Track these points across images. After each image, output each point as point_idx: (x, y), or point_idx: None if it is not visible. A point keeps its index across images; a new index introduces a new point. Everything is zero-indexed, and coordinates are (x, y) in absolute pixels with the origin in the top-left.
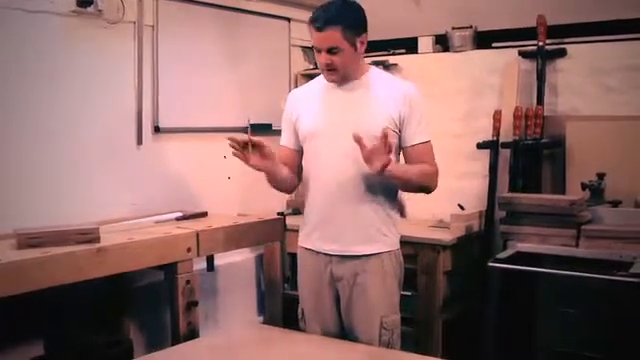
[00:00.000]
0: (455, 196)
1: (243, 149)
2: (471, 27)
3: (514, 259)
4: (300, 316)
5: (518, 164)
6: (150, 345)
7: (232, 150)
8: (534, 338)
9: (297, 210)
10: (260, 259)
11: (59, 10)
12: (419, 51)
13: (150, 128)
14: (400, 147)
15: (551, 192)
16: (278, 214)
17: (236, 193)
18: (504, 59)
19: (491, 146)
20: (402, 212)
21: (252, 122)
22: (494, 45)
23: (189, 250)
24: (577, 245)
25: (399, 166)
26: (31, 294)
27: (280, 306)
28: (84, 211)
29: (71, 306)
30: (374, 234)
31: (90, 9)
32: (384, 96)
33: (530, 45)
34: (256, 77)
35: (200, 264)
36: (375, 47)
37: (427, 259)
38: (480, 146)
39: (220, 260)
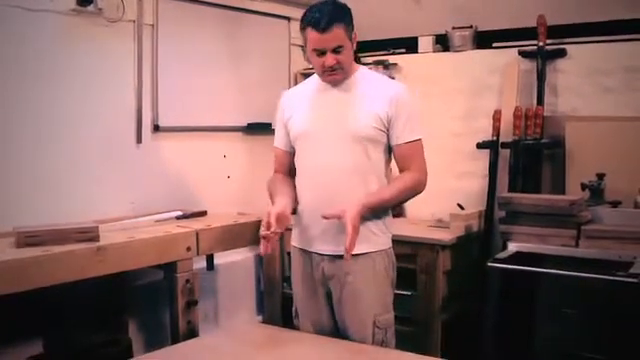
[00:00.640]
0: (455, 196)
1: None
2: (471, 27)
3: (513, 259)
4: (294, 314)
5: (518, 164)
6: (150, 344)
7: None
8: (533, 338)
9: (296, 210)
10: (259, 258)
11: (59, 9)
12: (419, 51)
13: (150, 127)
14: (389, 146)
15: (551, 192)
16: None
17: (236, 192)
18: (504, 59)
19: (491, 146)
20: (395, 212)
21: (251, 121)
22: (494, 45)
23: (189, 249)
24: (577, 245)
25: (373, 198)
26: (30, 293)
27: (279, 305)
28: (84, 210)
29: (70, 305)
30: (364, 233)
31: (90, 8)
32: (371, 95)
33: (530, 45)
34: (256, 76)
35: (200, 263)
36: (375, 47)
37: (426, 259)
38: (480, 146)
39: (220, 259)
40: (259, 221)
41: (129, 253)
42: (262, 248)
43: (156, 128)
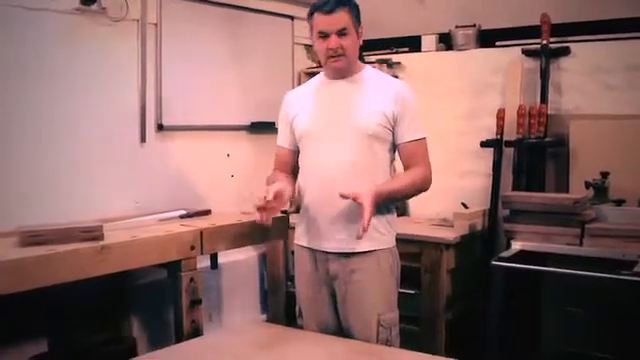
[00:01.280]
0: (458, 194)
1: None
2: (475, 26)
3: (517, 258)
4: (298, 313)
5: (522, 162)
6: (153, 343)
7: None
8: (537, 337)
9: (299, 208)
10: (263, 257)
11: (62, 8)
12: (422, 49)
13: (153, 126)
14: (394, 144)
15: (555, 191)
16: (282, 212)
17: (239, 191)
18: (508, 57)
19: (495, 144)
20: (403, 210)
21: (255, 120)
22: (498, 44)
23: (193, 248)
24: (581, 244)
25: (384, 187)
26: (34, 292)
27: (283, 304)
28: (87, 209)
29: (74, 304)
30: (369, 231)
31: (93, 7)
32: (377, 94)
33: (534, 44)
34: (259, 75)
35: (204, 262)
36: (379, 45)
37: (431, 258)
38: (484, 144)
39: (224, 258)
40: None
41: (133, 252)
42: (257, 217)
43: (160, 127)
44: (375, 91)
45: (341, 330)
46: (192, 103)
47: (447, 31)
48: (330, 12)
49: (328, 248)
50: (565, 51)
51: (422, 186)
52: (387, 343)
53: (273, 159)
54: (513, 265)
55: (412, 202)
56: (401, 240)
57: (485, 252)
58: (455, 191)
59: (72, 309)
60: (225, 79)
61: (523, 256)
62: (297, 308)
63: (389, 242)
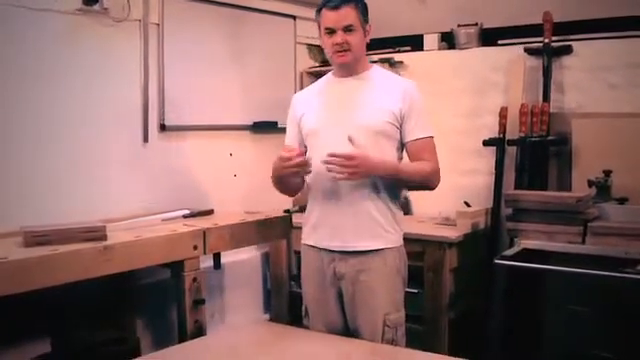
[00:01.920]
0: (461, 193)
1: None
2: (476, 24)
3: (520, 256)
4: (304, 313)
5: (524, 161)
6: (157, 343)
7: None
8: (540, 335)
9: (304, 207)
10: (266, 257)
11: (64, 8)
12: (425, 48)
13: (156, 126)
14: (402, 143)
15: (557, 189)
16: (285, 212)
17: (242, 190)
18: (510, 56)
19: (497, 143)
20: (406, 209)
21: (257, 119)
22: (500, 42)
23: (196, 248)
24: (583, 242)
25: (389, 162)
26: (38, 292)
27: (286, 304)
28: (90, 209)
29: (78, 304)
30: (377, 230)
31: (96, 7)
32: (385, 92)
33: (536, 42)
34: (262, 75)
35: (207, 262)
36: (381, 44)
37: (433, 256)
38: (486, 143)
39: (227, 258)
40: (266, 219)
41: (136, 252)
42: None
43: (162, 127)
44: (383, 89)
45: (347, 330)
46: (195, 103)
47: (449, 30)
48: (337, 8)
49: (334, 247)
50: (567, 49)
51: (431, 177)
52: (393, 343)
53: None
54: (516, 264)
55: (415, 201)
56: (404, 239)
57: (488, 251)
58: (458, 190)
59: (75, 309)
60: (227, 79)
61: (526, 255)
62: (303, 308)
63: (396, 241)
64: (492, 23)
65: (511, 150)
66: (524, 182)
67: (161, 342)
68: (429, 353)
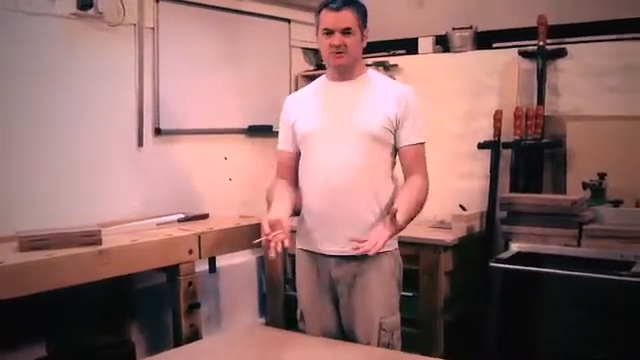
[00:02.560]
0: (456, 196)
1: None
2: (471, 27)
3: (515, 259)
4: (299, 317)
5: (519, 164)
6: (152, 347)
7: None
8: (536, 338)
9: (298, 211)
10: (262, 260)
11: (60, 13)
12: (419, 52)
13: (151, 130)
14: (395, 148)
15: (552, 192)
16: None
17: (237, 194)
18: (504, 59)
19: (492, 146)
20: None
21: (252, 123)
22: (494, 45)
23: (191, 252)
24: (579, 245)
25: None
26: (34, 296)
27: (282, 307)
28: (85, 213)
29: (74, 308)
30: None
31: (91, 12)
32: (381, 96)
33: (530, 45)
34: (256, 78)
35: (202, 266)
36: (376, 48)
37: (428, 260)
38: (481, 146)
39: (222, 262)
40: (260, 224)
41: (131, 256)
42: (270, 252)
43: (157, 131)
44: (378, 93)
45: (343, 334)
46: (190, 107)
47: (444, 33)
48: (338, 10)
49: (329, 251)
50: (562, 52)
51: (424, 200)
52: (389, 346)
53: (271, 162)
54: (511, 267)
55: None
56: (399, 242)
57: (483, 254)
58: (453, 193)
59: (71, 313)
60: (222, 83)
61: (521, 257)
62: (298, 312)
63: (391, 245)
64: (487, 26)
65: (506, 153)
66: (519, 185)
67: (156, 346)
68: (425, 356)
